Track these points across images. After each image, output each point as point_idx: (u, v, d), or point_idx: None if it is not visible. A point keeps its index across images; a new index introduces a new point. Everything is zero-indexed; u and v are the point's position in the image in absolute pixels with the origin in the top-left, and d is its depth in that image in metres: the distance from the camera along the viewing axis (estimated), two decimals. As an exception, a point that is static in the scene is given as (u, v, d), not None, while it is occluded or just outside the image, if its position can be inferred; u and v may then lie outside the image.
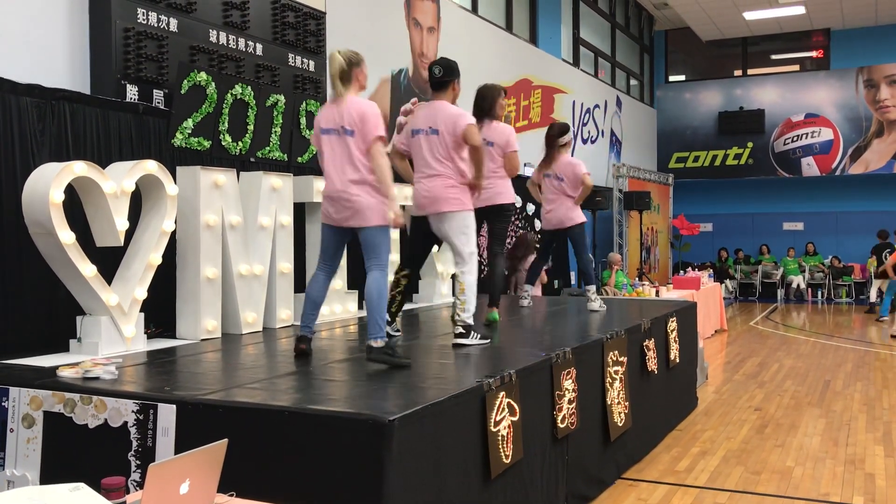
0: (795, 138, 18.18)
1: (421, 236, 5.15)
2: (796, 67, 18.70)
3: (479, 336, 4.85)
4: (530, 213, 11.53)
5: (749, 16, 16.73)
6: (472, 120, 4.90)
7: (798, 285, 17.90)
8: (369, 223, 4.22)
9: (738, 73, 19.09)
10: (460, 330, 4.82)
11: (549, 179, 6.81)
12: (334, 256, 4.52)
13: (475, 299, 4.89)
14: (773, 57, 18.92)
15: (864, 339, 11.77)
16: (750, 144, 18.51)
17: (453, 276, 4.98)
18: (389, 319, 5.00)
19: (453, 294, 4.93)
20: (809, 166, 18.05)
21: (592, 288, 6.84)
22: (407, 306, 7.24)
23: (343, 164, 4.21)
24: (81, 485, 2.12)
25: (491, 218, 5.78)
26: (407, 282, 5.16)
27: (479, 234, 6.03)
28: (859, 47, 17.72)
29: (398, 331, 5.21)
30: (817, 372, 8.87)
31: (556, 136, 6.83)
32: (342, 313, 6.39)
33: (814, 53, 18.50)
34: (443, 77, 4.94)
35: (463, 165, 4.91)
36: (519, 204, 10.79)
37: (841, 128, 17.81)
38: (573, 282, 13.02)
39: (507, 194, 5.72)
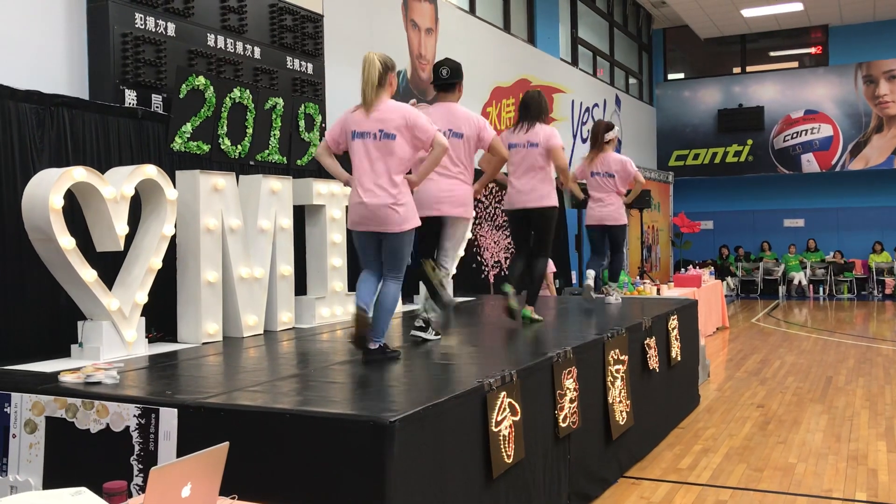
0: (795, 135, 18.18)
1: (433, 235, 5.08)
2: (795, 64, 18.70)
3: (433, 332, 5.03)
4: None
5: (747, 13, 16.73)
6: (493, 130, 5.04)
7: (799, 282, 17.90)
8: (397, 230, 4.21)
9: (736, 70, 19.09)
10: (421, 323, 5.00)
11: (597, 177, 7.01)
12: (376, 260, 4.39)
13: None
14: (772, 54, 18.92)
15: (866, 334, 11.77)
16: (750, 142, 18.52)
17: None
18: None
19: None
20: (809, 163, 18.05)
21: (615, 285, 7.26)
22: (405, 308, 7.25)
23: (377, 168, 4.16)
24: (83, 489, 2.13)
25: (535, 220, 5.80)
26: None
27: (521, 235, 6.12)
28: (858, 43, 17.72)
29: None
30: (819, 368, 8.87)
31: (602, 132, 7.03)
32: (343, 315, 6.40)
33: (812, 50, 18.50)
34: (450, 78, 5.01)
35: (472, 170, 5.06)
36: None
37: (840, 124, 17.81)
38: (574, 281, 13.03)
39: (553, 197, 5.78)
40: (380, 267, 4.40)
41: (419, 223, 4.33)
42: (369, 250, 4.37)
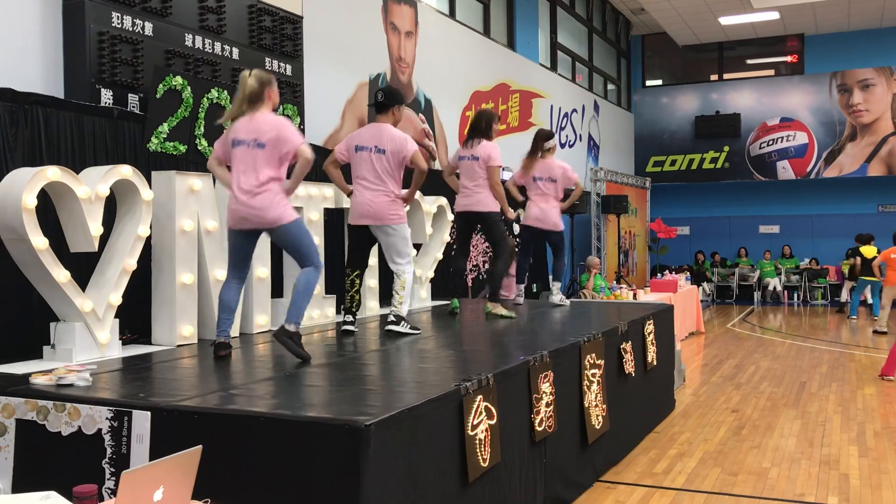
0: (771, 142, 18.37)
1: (362, 242, 5.71)
2: (771, 72, 18.90)
3: (408, 326, 5.51)
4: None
5: (724, 21, 16.89)
6: (416, 146, 5.50)
7: (774, 287, 18.07)
8: (271, 226, 4.49)
9: (714, 77, 19.26)
10: (392, 318, 5.50)
11: (539, 182, 7.26)
12: (244, 261, 4.72)
13: (410, 296, 5.59)
14: (749, 62, 19.11)
15: (839, 340, 11.90)
16: (726, 148, 18.68)
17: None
18: (351, 318, 5.64)
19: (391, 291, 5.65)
20: (785, 170, 18.24)
21: (558, 285, 7.68)
22: (377, 313, 7.23)
23: (249, 173, 4.45)
24: (52, 493, 2.10)
25: (480, 225, 6.54)
26: (360, 282, 5.75)
27: (469, 239, 6.89)
28: (832, 52, 17.94)
29: (355, 328, 5.67)
30: (793, 373, 8.95)
31: (542, 140, 7.32)
32: (320, 318, 6.37)
33: (788, 58, 18.70)
34: (384, 101, 5.55)
35: (400, 181, 5.55)
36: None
37: (815, 132, 18.02)
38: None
39: (488, 203, 6.40)
40: (245, 269, 4.74)
41: (296, 216, 4.57)
42: (241, 251, 4.67)
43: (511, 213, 6.82)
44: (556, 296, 7.56)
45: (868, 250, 14.06)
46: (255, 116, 4.50)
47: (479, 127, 6.45)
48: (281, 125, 4.49)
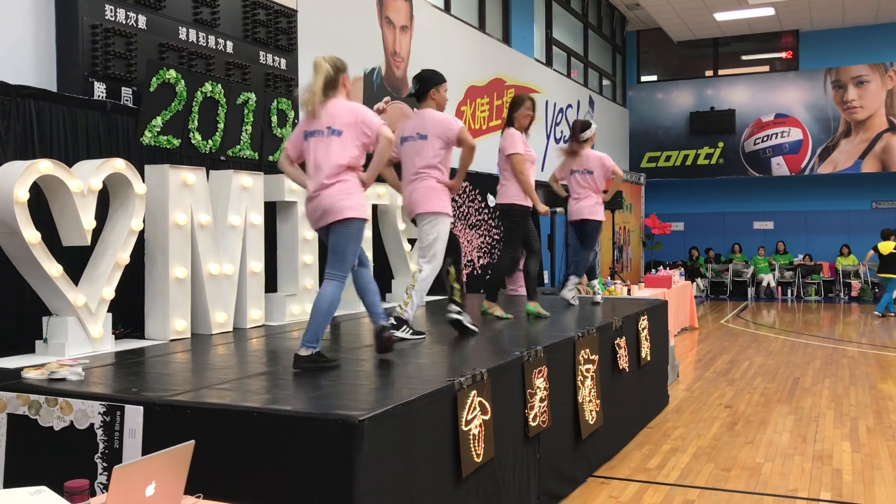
0: (765, 138, 18.38)
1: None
2: (766, 68, 18.91)
3: (411, 331, 5.03)
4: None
5: (720, 17, 16.89)
6: (461, 123, 5.17)
7: (768, 284, 18.11)
8: (338, 217, 4.08)
9: (709, 73, 19.26)
10: (393, 322, 4.89)
11: (576, 175, 7.15)
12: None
13: (421, 299, 5.08)
14: (744, 58, 19.11)
15: (832, 336, 11.93)
16: (721, 144, 18.69)
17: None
18: (454, 307, 5.24)
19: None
20: (779, 166, 18.26)
21: (575, 280, 7.32)
22: (386, 305, 7.21)
23: (323, 164, 4.12)
24: (43, 488, 2.09)
25: (501, 217, 6.29)
26: (451, 271, 5.28)
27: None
28: (827, 49, 17.95)
29: (458, 316, 5.24)
30: (787, 369, 8.97)
31: (578, 132, 7.16)
32: (314, 313, 6.35)
33: (783, 54, 18.71)
34: (418, 89, 5.29)
35: (445, 169, 5.16)
36: (492, 203, 10.80)
37: (810, 128, 18.04)
38: (546, 281, 13.07)
39: (510, 195, 6.10)
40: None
41: (365, 217, 4.19)
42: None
43: (542, 208, 6.30)
44: (570, 292, 7.19)
45: (884, 246, 14.03)
46: (329, 104, 4.21)
47: (508, 113, 6.25)
48: (359, 109, 4.23)
